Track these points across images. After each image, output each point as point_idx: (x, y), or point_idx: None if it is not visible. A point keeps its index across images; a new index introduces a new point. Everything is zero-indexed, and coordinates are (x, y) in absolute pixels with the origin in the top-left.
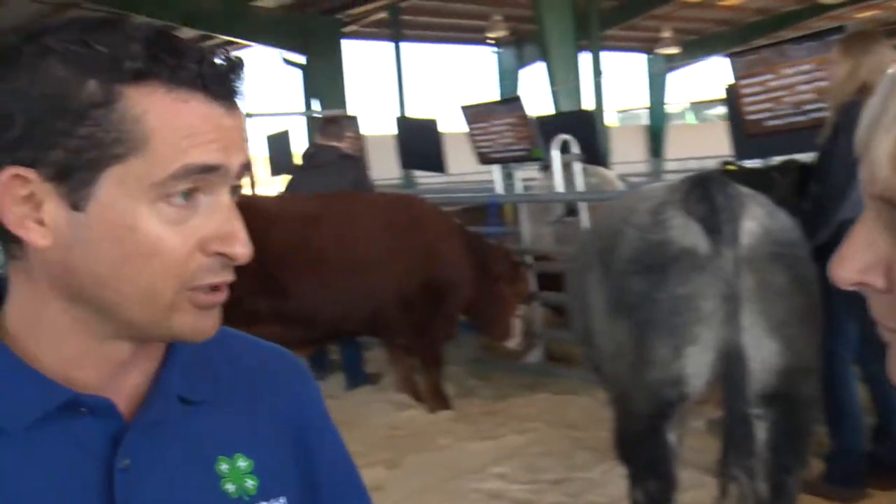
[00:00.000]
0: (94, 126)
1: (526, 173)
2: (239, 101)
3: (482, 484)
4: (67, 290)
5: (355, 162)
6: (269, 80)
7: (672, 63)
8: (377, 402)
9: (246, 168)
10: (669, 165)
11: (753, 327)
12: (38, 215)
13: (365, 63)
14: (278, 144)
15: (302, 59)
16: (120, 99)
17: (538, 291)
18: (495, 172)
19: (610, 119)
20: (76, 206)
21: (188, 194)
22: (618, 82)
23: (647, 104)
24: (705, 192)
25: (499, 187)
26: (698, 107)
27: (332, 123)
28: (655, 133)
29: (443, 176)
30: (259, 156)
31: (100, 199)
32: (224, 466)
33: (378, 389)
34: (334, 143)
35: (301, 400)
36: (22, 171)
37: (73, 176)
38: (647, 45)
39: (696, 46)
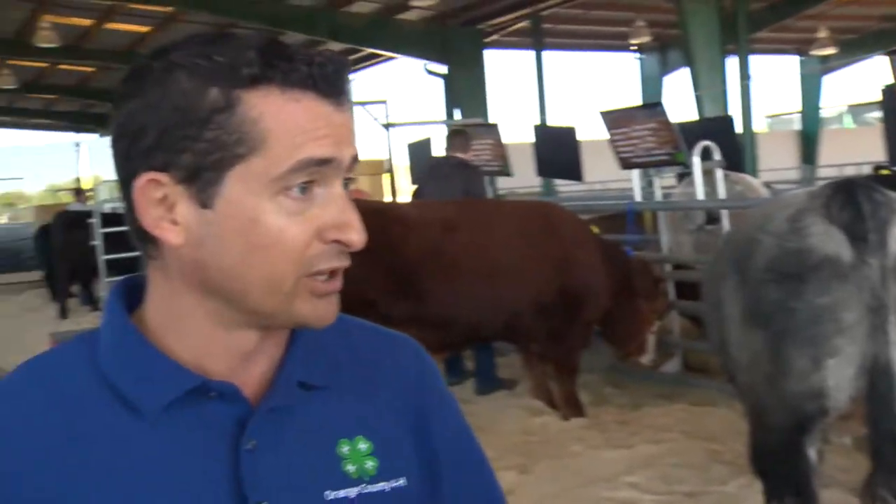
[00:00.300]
0: (217, 129)
1: (666, 181)
2: (346, 98)
3: (614, 493)
4: (199, 284)
5: (471, 171)
6: (412, 90)
7: (827, 64)
8: (511, 408)
9: (355, 161)
10: (823, 172)
11: None
12: (171, 216)
13: (505, 71)
14: (419, 153)
15: (444, 69)
16: (239, 103)
17: (676, 300)
18: (634, 179)
19: (759, 124)
20: (205, 204)
21: (305, 188)
22: (767, 86)
23: (800, 108)
24: (850, 199)
25: (638, 195)
26: (857, 110)
27: (458, 135)
28: (808, 138)
29: (583, 184)
30: (400, 164)
31: (225, 197)
32: (345, 448)
33: (512, 395)
34: (458, 154)
35: (420, 383)
36: (156, 175)
37: (202, 177)
38: (800, 47)
39: (855, 46)
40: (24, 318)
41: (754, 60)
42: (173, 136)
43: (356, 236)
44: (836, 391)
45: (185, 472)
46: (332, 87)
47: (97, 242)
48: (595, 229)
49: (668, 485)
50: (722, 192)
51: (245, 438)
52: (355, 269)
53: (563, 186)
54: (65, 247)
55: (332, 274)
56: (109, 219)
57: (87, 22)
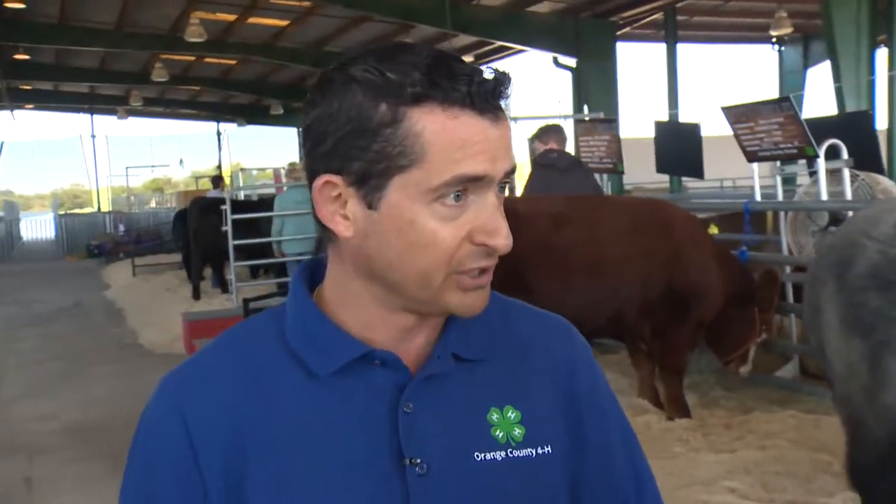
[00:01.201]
0: (384, 142)
1: (803, 178)
2: (503, 113)
3: (711, 496)
4: (365, 271)
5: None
6: (539, 83)
7: None
8: None
9: (511, 172)
10: None
11: None
12: (343, 212)
13: (635, 65)
14: None
15: (573, 63)
16: (404, 119)
17: (795, 304)
18: (755, 176)
19: None
20: (370, 205)
21: (459, 196)
22: None
23: None
24: None
25: (758, 193)
26: None
27: (555, 130)
28: None
29: (712, 181)
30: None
31: (388, 200)
32: (495, 416)
33: (616, 392)
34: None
35: (571, 360)
36: (332, 178)
37: (369, 182)
38: None
39: None
40: (161, 297)
41: None
42: (347, 144)
43: (503, 241)
44: None
45: (351, 428)
46: (489, 104)
47: (228, 228)
48: (715, 229)
49: (768, 492)
50: (849, 192)
51: (403, 401)
52: None
53: (692, 183)
54: (199, 231)
55: (480, 271)
56: (240, 205)
57: (231, 17)
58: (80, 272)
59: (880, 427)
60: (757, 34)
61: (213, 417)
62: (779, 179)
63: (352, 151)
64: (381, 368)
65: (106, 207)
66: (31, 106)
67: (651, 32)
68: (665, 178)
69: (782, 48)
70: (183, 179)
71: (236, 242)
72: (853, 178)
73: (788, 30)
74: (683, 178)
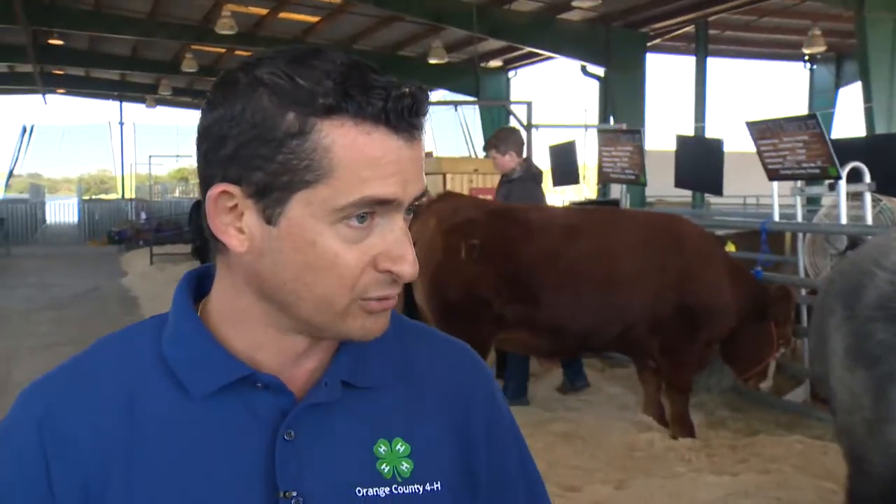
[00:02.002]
0: (289, 154)
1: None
2: (419, 133)
3: None
4: (257, 289)
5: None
6: (562, 91)
7: None
8: (618, 421)
9: (420, 196)
10: None
11: None
12: (238, 224)
13: (664, 76)
14: (563, 156)
15: (601, 72)
16: (312, 130)
17: (808, 326)
18: (774, 195)
19: None
20: (269, 220)
21: (364, 217)
22: None
23: None
24: None
25: (776, 213)
26: None
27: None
28: None
29: (734, 197)
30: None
31: (289, 217)
32: (382, 449)
33: (622, 408)
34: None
35: (470, 392)
36: (229, 187)
37: (270, 195)
38: None
39: None
40: (175, 286)
41: None
42: (249, 152)
43: (408, 269)
44: None
45: (224, 455)
46: (405, 123)
47: None
48: (732, 247)
49: None
50: (870, 217)
51: (283, 427)
52: (473, 267)
53: (714, 198)
54: None
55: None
56: None
57: (262, 11)
58: (99, 258)
59: (882, 462)
60: (789, 51)
61: (75, 430)
62: (798, 200)
63: (254, 161)
64: (263, 392)
65: (130, 195)
66: (62, 91)
67: (682, 45)
68: (688, 192)
69: (814, 66)
70: None
71: None
72: (875, 202)
73: (822, 48)
74: (706, 194)
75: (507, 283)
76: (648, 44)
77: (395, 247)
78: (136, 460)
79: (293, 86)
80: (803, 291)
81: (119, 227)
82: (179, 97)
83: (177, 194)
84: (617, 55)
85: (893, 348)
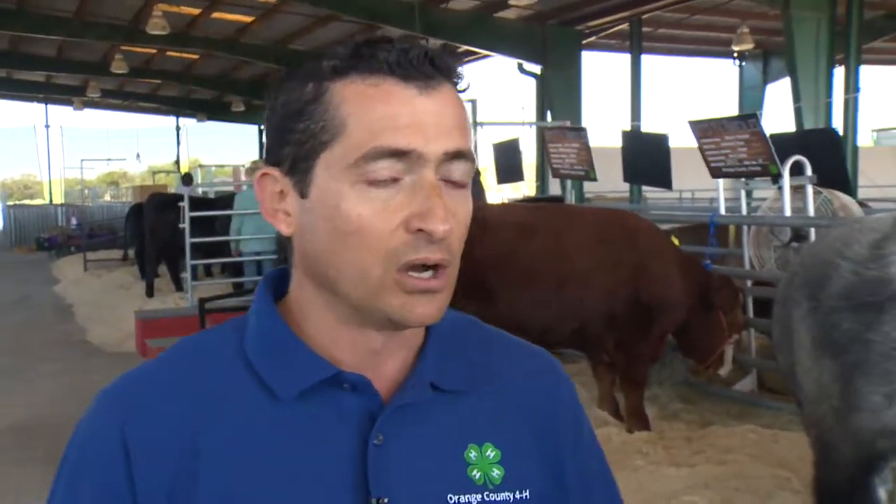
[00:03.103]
0: (307, 120)
1: (764, 192)
2: (437, 84)
3: None
4: (309, 271)
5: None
6: (502, 89)
7: None
8: None
9: (456, 156)
10: None
11: None
12: (284, 206)
13: (600, 74)
14: (506, 153)
15: (538, 69)
16: (326, 93)
17: (755, 318)
18: (720, 190)
19: (864, 139)
20: (303, 193)
21: (386, 181)
22: (877, 99)
23: None
24: None
25: (723, 207)
26: None
27: None
28: None
29: (672, 192)
30: (488, 164)
31: (317, 185)
32: (473, 454)
33: None
34: None
35: (554, 399)
36: (270, 170)
37: (299, 168)
38: None
39: None
40: (114, 294)
41: (866, 71)
42: (281, 132)
43: (438, 225)
44: None
45: (314, 458)
46: (415, 71)
47: (185, 225)
48: (676, 241)
49: None
50: (812, 208)
51: (374, 432)
52: None
53: (652, 193)
54: (155, 227)
55: (428, 269)
56: (198, 202)
57: (195, 11)
58: (28, 265)
59: (849, 450)
60: (719, 48)
61: (160, 436)
62: (743, 194)
63: (284, 137)
64: (350, 393)
65: (58, 200)
66: None
67: (616, 42)
68: (625, 187)
69: (743, 63)
70: (139, 174)
71: (194, 240)
72: (815, 194)
73: (750, 45)
74: (643, 189)
75: (462, 281)
76: (584, 41)
77: (423, 202)
78: (225, 463)
79: (315, 64)
80: (749, 282)
81: (49, 233)
82: (109, 99)
83: (108, 198)
84: (553, 53)
85: (859, 338)
